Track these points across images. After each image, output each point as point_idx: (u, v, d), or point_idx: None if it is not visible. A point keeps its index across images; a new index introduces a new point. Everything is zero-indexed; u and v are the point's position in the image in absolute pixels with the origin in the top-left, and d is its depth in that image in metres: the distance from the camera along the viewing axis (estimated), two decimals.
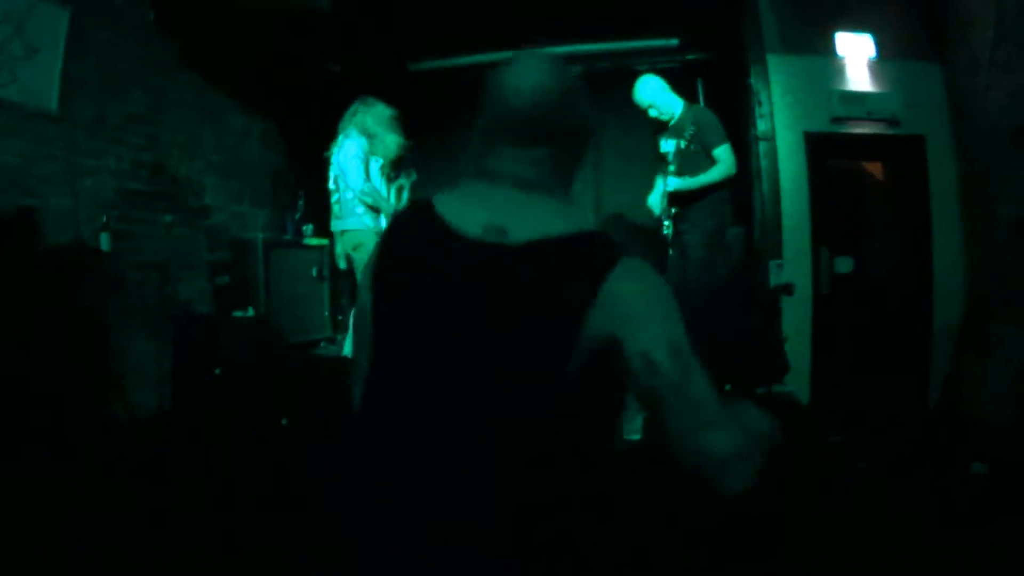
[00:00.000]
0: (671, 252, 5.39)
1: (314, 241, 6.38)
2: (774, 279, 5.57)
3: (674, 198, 5.12)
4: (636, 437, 3.94)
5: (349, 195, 5.20)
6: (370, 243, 5.10)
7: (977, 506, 3.64)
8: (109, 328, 4.68)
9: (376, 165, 5.34)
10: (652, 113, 5.29)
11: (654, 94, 5.27)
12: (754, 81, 5.69)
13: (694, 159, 5.08)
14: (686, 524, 3.23)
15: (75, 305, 4.39)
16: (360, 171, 5.15)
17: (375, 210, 5.22)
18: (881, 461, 4.39)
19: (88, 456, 3.96)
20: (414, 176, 5.72)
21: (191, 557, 3.04)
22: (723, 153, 5.04)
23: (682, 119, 5.26)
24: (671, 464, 3.13)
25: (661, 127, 5.39)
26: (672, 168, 5.10)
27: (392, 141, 5.39)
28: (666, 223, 5.18)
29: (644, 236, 5.45)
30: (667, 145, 5.29)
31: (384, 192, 5.38)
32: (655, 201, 5.34)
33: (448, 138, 7.80)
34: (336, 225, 5.35)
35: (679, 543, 3.10)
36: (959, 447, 4.57)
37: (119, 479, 3.80)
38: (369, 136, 5.26)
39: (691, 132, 5.09)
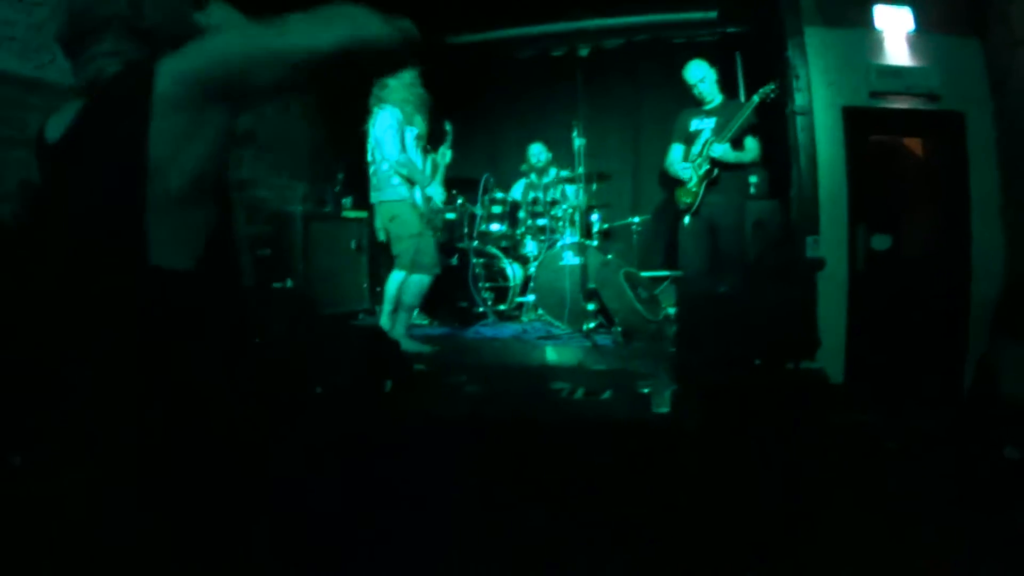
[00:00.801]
0: (688, 220, 5.60)
1: (353, 214, 6.57)
2: (810, 254, 5.61)
3: (716, 164, 5.57)
4: (665, 410, 4.07)
5: (385, 167, 5.27)
6: (406, 215, 5.23)
7: (1008, 490, 3.65)
8: None
9: (411, 135, 5.37)
10: (701, 87, 5.76)
11: (706, 72, 5.78)
12: (791, 54, 5.70)
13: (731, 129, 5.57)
14: (711, 497, 3.35)
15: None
16: (396, 142, 5.21)
17: (411, 182, 5.28)
18: (912, 442, 4.44)
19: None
20: (448, 157, 5.77)
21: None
22: (754, 143, 5.61)
23: (722, 106, 5.76)
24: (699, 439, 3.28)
25: (696, 105, 5.77)
26: (713, 138, 5.55)
27: (421, 110, 5.43)
28: (693, 188, 5.44)
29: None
30: (702, 124, 5.55)
31: (419, 164, 5.43)
32: (685, 167, 5.59)
33: (487, 110, 7.97)
34: (374, 196, 5.43)
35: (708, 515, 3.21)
36: (993, 430, 4.59)
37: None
38: (400, 106, 5.29)
39: (733, 111, 5.58)
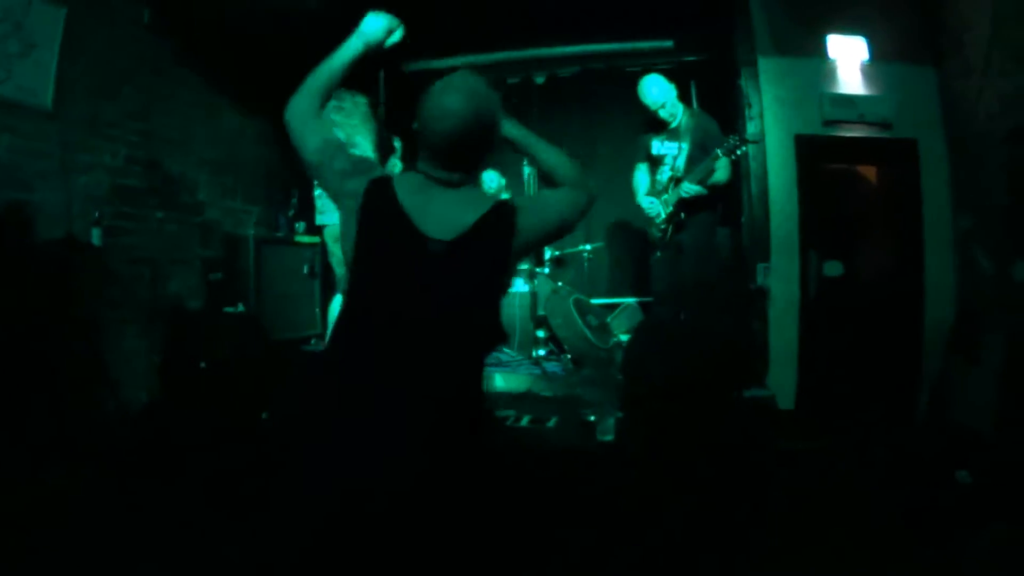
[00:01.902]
0: (658, 254, 5.61)
1: (306, 239, 6.63)
2: (761, 281, 5.71)
3: (684, 203, 5.42)
4: (609, 438, 4.14)
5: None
6: None
7: (960, 515, 3.70)
8: (100, 322, 4.90)
9: None
10: (662, 113, 5.57)
11: (666, 94, 5.55)
12: (744, 83, 5.83)
13: (698, 164, 5.38)
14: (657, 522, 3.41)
15: (66, 299, 4.59)
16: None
17: None
18: (865, 468, 4.47)
19: (78, 449, 4.15)
20: (398, 168, 5.81)
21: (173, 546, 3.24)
22: (726, 160, 5.35)
23: (686, 124, 5.57)
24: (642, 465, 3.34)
25: (658, 127, 5.68)
26: (681, 174, 5.44)
27: (366, 134, 5.50)
28: (663, 225, 5.44)
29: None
30: (665, 148, 5.55)
31: None
32: (653, 203, 5.57)
33: None
34: (319, 219, 5.50)
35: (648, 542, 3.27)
36: (945, 455, 4.67)
37: (108, 471, 3.99)
38: (344, 129, 5.36)
39: (699, 137, 5.44)
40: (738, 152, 5.32)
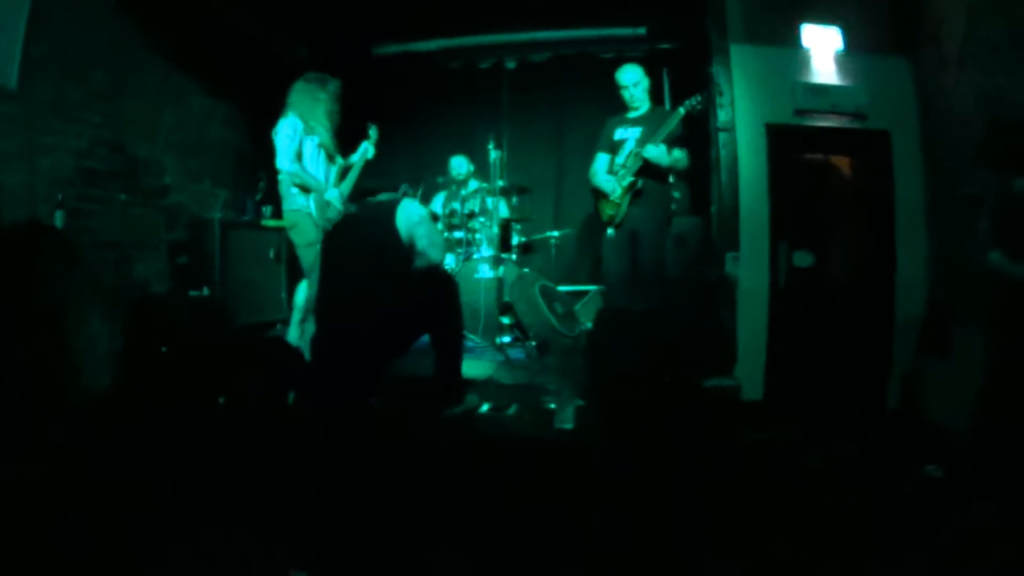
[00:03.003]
0: (610, 232, 5.67)
1: (272, 222, 6.67)
2: (729, 271, 5.78)
3: (642, 170, 5.53)
4: (568, 426, 4.21)
5: (282, 176, 5.34)
6: (303, 223, 5.29)
7: (929, 508, 3.77)
8: (62, 306, 4.86)
9: (312, 144, 5.40)
10: (633, 91, 5.72)
11: (640, 78, 5.73)
12: (715, 71, 5.89)
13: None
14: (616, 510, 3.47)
15: (28, 282, 4.59)
16: (289, 151, 5.24)
17: (306, 190, 5.31)
18: (835, 460, 4.49)
19: (38, 434, 4.13)
20: (371, 153, 5.81)
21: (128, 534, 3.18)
22: (683, 153, 5.56)
23: (650, 114, 5.74)
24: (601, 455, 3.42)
25: (622, 112, 5.85)
26: (639, 146, 5.56)
27: (324, 120, 5.45)
28: (617, 201, 5.54)
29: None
30: (628, 132, 5.65)
31: (319, 172, 5.45)
32: (609, 180, 5.68)
33: (412, 122, 8.11)
34: (286, 204, 5.45)
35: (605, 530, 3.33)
36: (914, 448, 4.75)
37: (67, 457, 3.96)
38: (302, 115, 5.34)
39: (659, 127, 5.52)
40: (697, 108, 5.48)
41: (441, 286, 4.45)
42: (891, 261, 5.82)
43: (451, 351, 4.50)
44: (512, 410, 4.57)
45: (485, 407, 4.58)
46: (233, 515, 3.33)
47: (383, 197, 4.77)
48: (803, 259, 5.84)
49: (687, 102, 5.39)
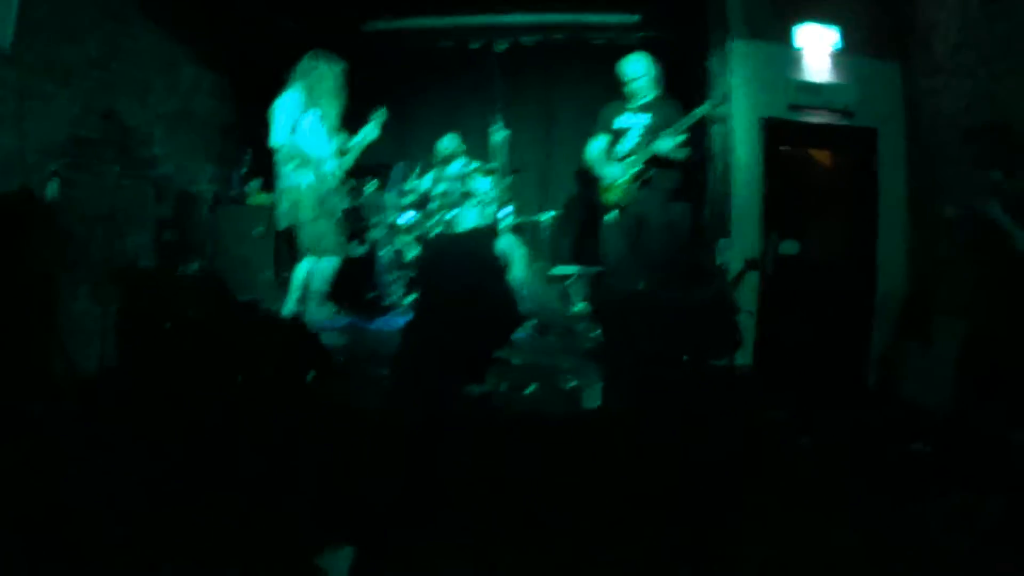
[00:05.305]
0: (614, 215, 5.92)
1: (260, 198, 6.70)
2: (720, 257, 6.15)
3: (651, 158, 5.80)
4: (597, 404, 4.47)
5: (279, 153, 5.45)
6: (303, 200, 5.45)
7: (918, 483, 4.04)
8: (52, 281, 4.84)
9: (314, 117, 5.49)
10: (638, 84, 5.98)
11: (647, 69, 6.00)
12: (714, 64, 6.22)
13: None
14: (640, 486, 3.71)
15: (19, 255, 4.58)
16: (285, 125, 5.34)
17: (304, 163, 5.41)
18: (823, 438, 4.75)
19: (24, 414, 4.05)
20: (376, 133, 5.89)
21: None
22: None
23: (656, 103, 6.00)
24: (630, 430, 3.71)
25: (617, 99, 6.12)
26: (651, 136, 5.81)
27: (328, 96, 5.56)
28: (625, 186, 5.82)
29: None
30: (630, 120, 5.92)
31: (320, 145, 5.53)
32: (612, 165, 5.97)
33: (399, 99, 8.20)
34: (278, 182, 5.59)
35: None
36: (899, 427, 5.12)
37: (55, 439, 3.84)
38: (306, 88, 5.46)
39: (668, 113, 5.83)
40: (717, 109, 5.83)
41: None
42: (872, 253, 6.23)
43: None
44: (531, 389, 4.77)
45: (504, 386, 4.78)
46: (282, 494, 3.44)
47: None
48: (790, 247, 6.20)
49: (710, 102, 5.65)
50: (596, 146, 6.14)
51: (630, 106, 6.03)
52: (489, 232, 4.94)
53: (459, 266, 4.82)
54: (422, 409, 4.22)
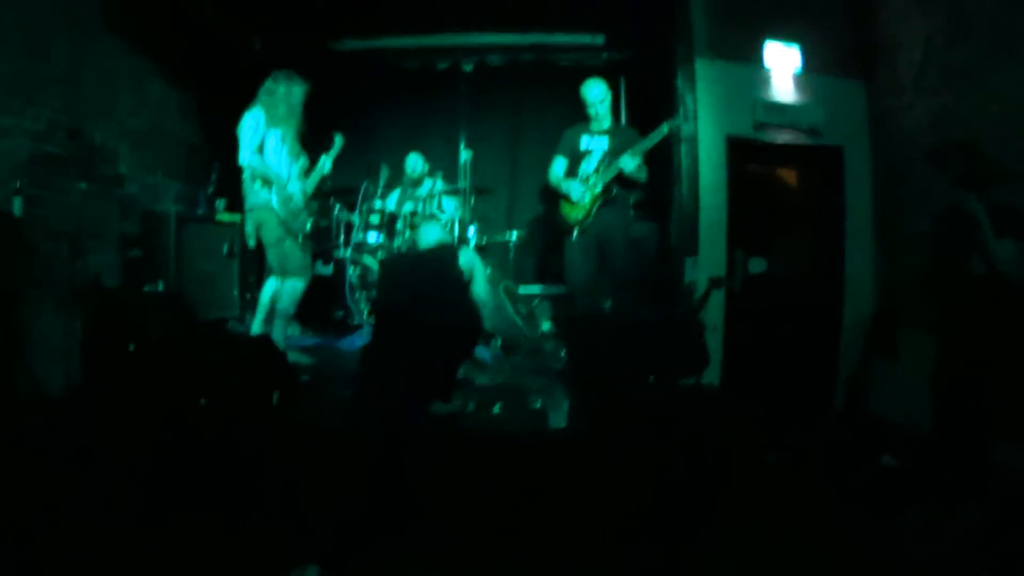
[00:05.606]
0: (576, 236, 5.95)
1: (226, 217, 6.73)
2: (689, 276, 6.19)
3: (616, 182, 5.82)
4: (563, 424, 4.49)
5: (245, 171, 5.42)
6: (269, 220, 5.41)
7: (887, 497, 4.15)
8: (16, 298, 4.80)
9: (275, 137, 5.46)
10: (600, 108, 6.00)
11: (606, 94, 6.01)
12: (680, 83, 6.29)
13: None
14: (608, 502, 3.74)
15: None
16: (251, 144, 5.31)
17: (268, 183, 5.38)
18: (791, 454, 4.86)
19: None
20: (328, 167, 5.90)
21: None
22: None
23: (614, 128, 6.09)
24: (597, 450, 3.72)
25: (580, 121, 6.15)
26: (610, 158, 5.84)
27: (288, 117, 5.55)
28: (587, 206, 5.86)
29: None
30: (594, 143, 5.96)
31: (282, 166, 5.51)
32: (575, 186, 5.97)
33: (366, 118, 8.24)
34: (245, 202, 5.56)
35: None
36: (867, 443, 5.18)
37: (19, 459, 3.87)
38: (267, 109, 5.43)
39: (626, 139, 5.87)
40: (677, 129, 5.88)
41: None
42: (839, 269, 6.34)
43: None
44: (497, 409, 4.79)
45: (471, 406, 4.81)
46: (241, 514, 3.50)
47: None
48: (757, 265, 6.27)
49: (670, 122, 5.68)
50: (556, 163, 6.18)
51: (592, 128, 6.07)
52: (449, 248, 4.94)
53: (417, 281, 4.80)
54: (386, 427, 4.22)
